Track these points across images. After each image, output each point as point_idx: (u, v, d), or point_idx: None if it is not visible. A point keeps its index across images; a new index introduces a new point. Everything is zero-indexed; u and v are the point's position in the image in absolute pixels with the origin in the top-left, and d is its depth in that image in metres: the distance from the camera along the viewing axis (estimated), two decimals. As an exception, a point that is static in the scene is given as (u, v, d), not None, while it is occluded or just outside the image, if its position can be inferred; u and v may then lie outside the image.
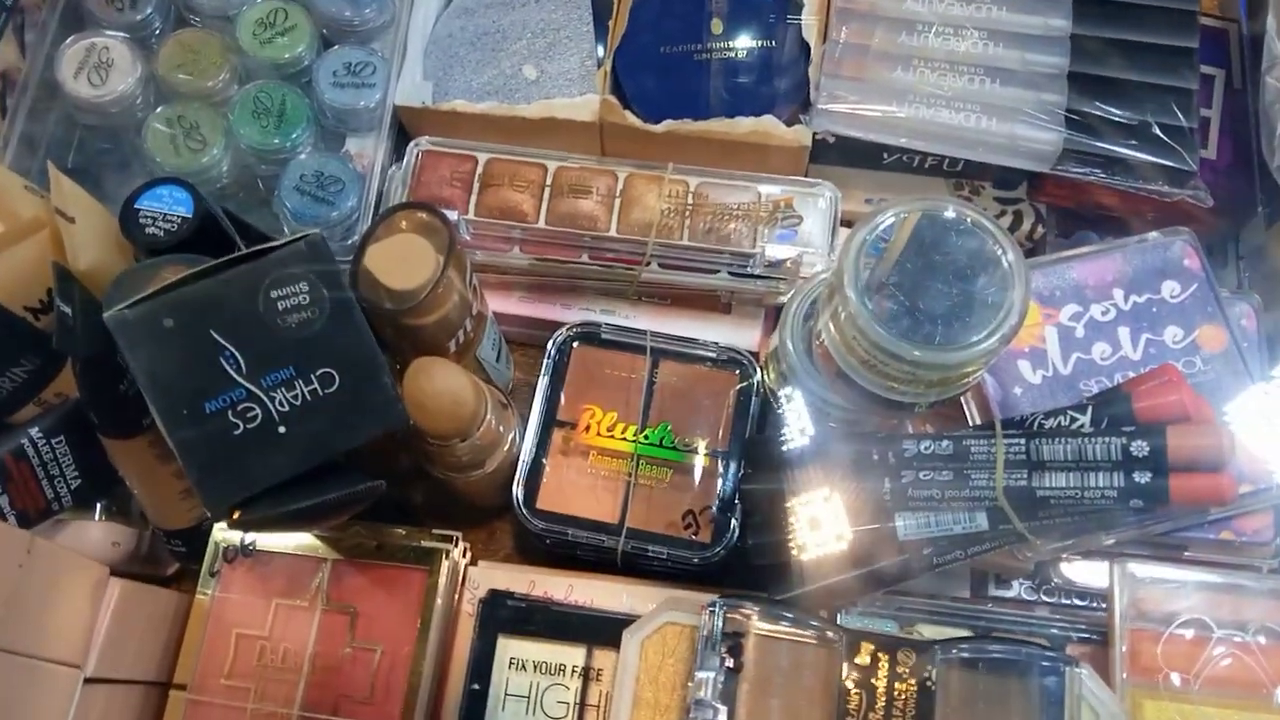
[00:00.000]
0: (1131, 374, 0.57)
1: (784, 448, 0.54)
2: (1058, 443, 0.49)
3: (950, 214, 0.47)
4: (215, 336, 0.44)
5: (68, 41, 0.64)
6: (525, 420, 0.61)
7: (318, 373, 0.46)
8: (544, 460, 0.60)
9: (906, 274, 0.47)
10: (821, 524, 0.51)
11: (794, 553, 0.51)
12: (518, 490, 0.59)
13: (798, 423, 0.56)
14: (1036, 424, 0.51)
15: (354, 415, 0.47)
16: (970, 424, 0.57)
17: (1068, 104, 0.62)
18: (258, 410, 0.45)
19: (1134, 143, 0.61)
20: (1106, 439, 0.48)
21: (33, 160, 0.64)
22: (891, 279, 0.46)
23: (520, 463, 0.60)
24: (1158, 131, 0.61)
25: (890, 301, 0.47)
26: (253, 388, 0.45)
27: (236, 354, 0.45)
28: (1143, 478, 0.47)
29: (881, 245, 0.47)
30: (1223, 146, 0.67)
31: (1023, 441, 0.50)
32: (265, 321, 0.45)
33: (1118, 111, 0.62)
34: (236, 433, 0.45)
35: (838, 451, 0.53)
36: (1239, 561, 0.57)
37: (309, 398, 0.46)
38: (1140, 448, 0.47)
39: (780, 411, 0.56)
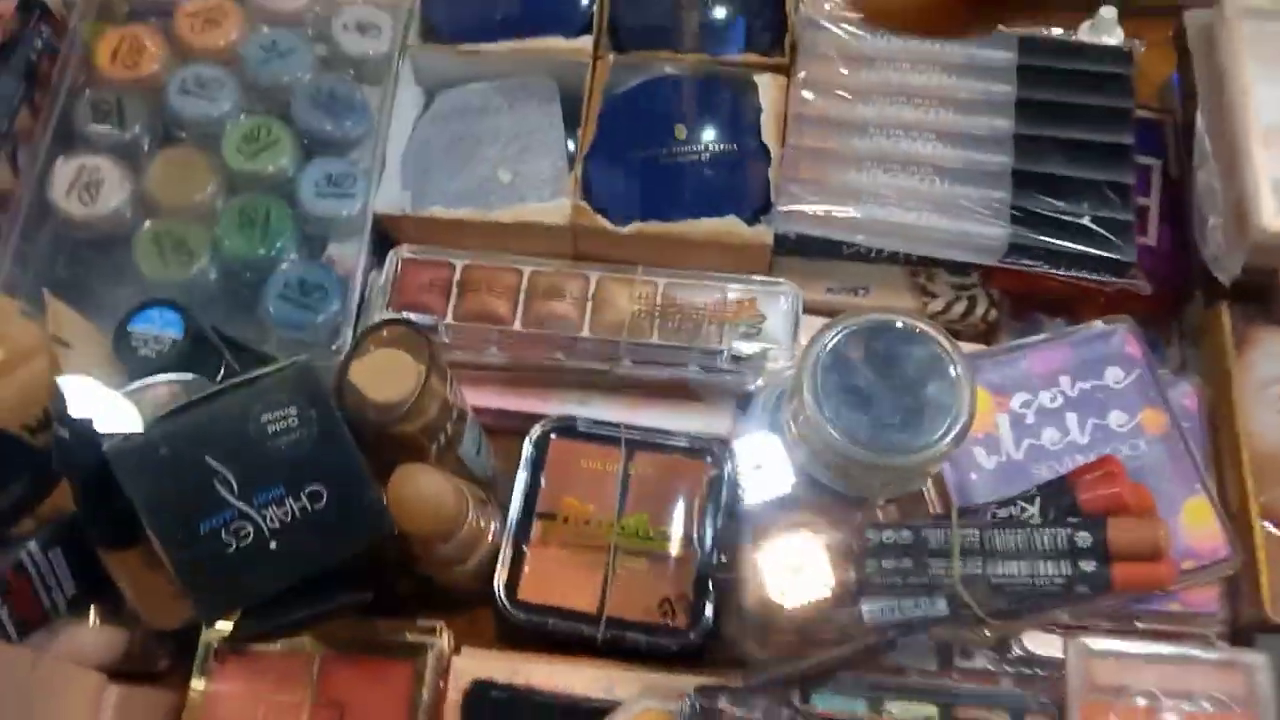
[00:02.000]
0: (1080, 458, 0.60)
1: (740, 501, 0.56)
2: (1009, 533, 0.52)
3: (900, 325, 0.50)
4: (209, 461, 0.47)
5: (58, 162, 0.67)
6: (505, 509, 0.64)
7: (307, 490, 0.48)
8: (524, 551, 0.62)
9: (862, 380, 0.50)
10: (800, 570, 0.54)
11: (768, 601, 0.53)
12: (499, 583, 0.61)
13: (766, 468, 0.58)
14: (990, 514, 0.54)
15: (342, 528, 0.49)
16: (930, 509, 0.60)
17: (1012, 200, 0.66)
18: (250, 528, 0.48)
19: (1075, 235, 0.65)
20: (1054, 530, 0.51)
21: (24, 276, 0.66)
22: (849, 386, 0.50)
23: (501, 555, 0.62)
24: (1097, 225, 0.65)
25: (848, 408, 0.50)
26: (245, 507, 0.47)
27: (229, 476, 0.47)
28: (1087, 566, 0.50)
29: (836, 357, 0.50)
30: (1162, 232, 0.71)
31: (977, 531, 0.53)
32: (256, 444, 0.48)
33: (1060, 205, 0.66)
34: (230, 550, 0.47)
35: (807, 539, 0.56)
36: (1189, 631, 0.60)
37: (298, 514, 0.48)
38: (1084, 539, 0.50)
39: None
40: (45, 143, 0.68)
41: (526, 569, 0.62)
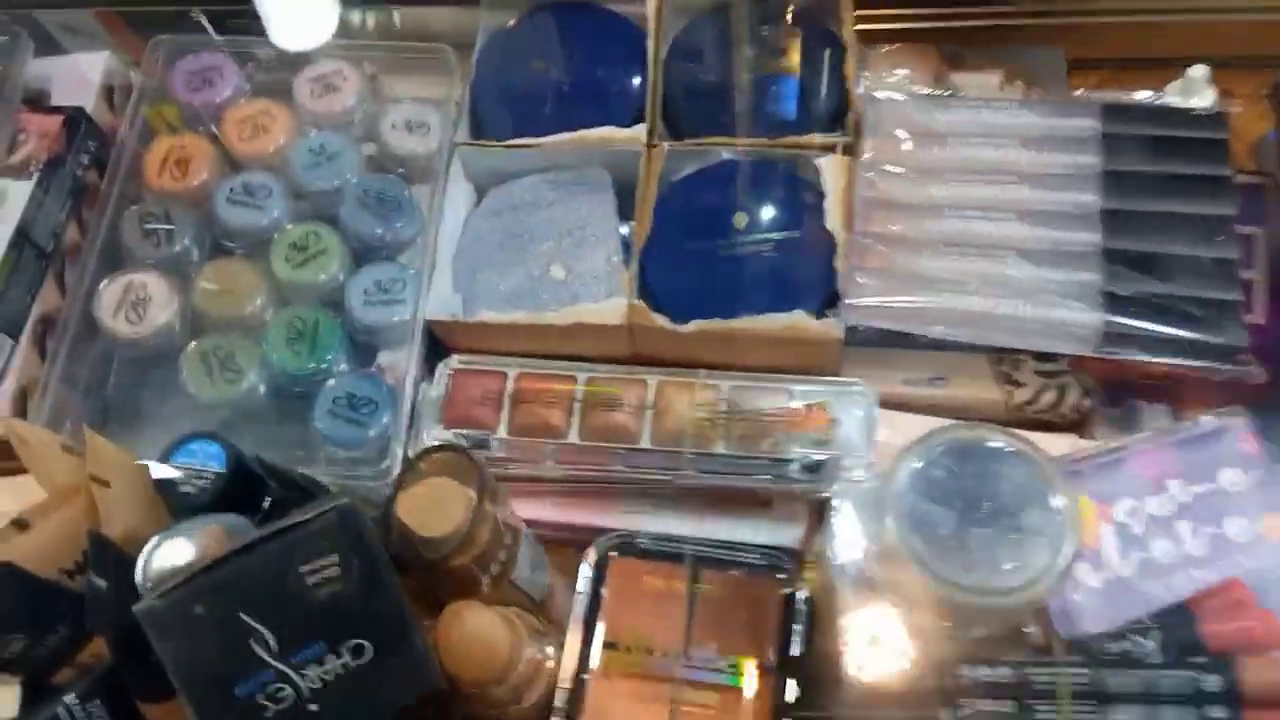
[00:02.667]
0: (1197, 574, 0.54)
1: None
2: (1125, 673, 0.46)
3: (991, 444, 0.45)
4: (245, 619, 0.44)
5: (105, 281, 0.66)
6: (564, 628, 0.60)
7: (349, 644, 0.45)
8: (585, 685, 0.58)
9: (953, 509, 0.45)
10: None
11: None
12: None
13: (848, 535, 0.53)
14: (1102, 649, 0.48)
15: (386, 684, 0.46)
16: (1027, 638, 0.54)
17: (1104, 283, 0.61)
18: (288, 690, 0.44)
19: (1177, 320, 0.60)
20: (1176, 672, 0.45)
21: (72, 396, 0.65)
22: (938, 517, 0.45)
23: (559, 691, 0.58)
24: (1199, 307, 0.60)
25: (938, 543, 0.45)
26: (283, 667, 0.44)
27: (266, 634, 0.44)
28: (1217, 713, 0.44)
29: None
30: (1271, 308, 0.65)
31: (1088, 672, 0.47)
32: (295, 597, 0.44)
33: (1157, 287, 0.61)
34: (267, 715, 0.44)
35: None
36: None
37: (340, 671, 0.45)
38: (1213, 682, 0.44)
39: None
40: (93, 259, 0.67)
41: (586, 706, 0.58)
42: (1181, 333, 0.59)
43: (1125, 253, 0.62)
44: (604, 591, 0.60)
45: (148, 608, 0.43)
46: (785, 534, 0.63)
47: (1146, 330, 0.60)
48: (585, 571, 0.60)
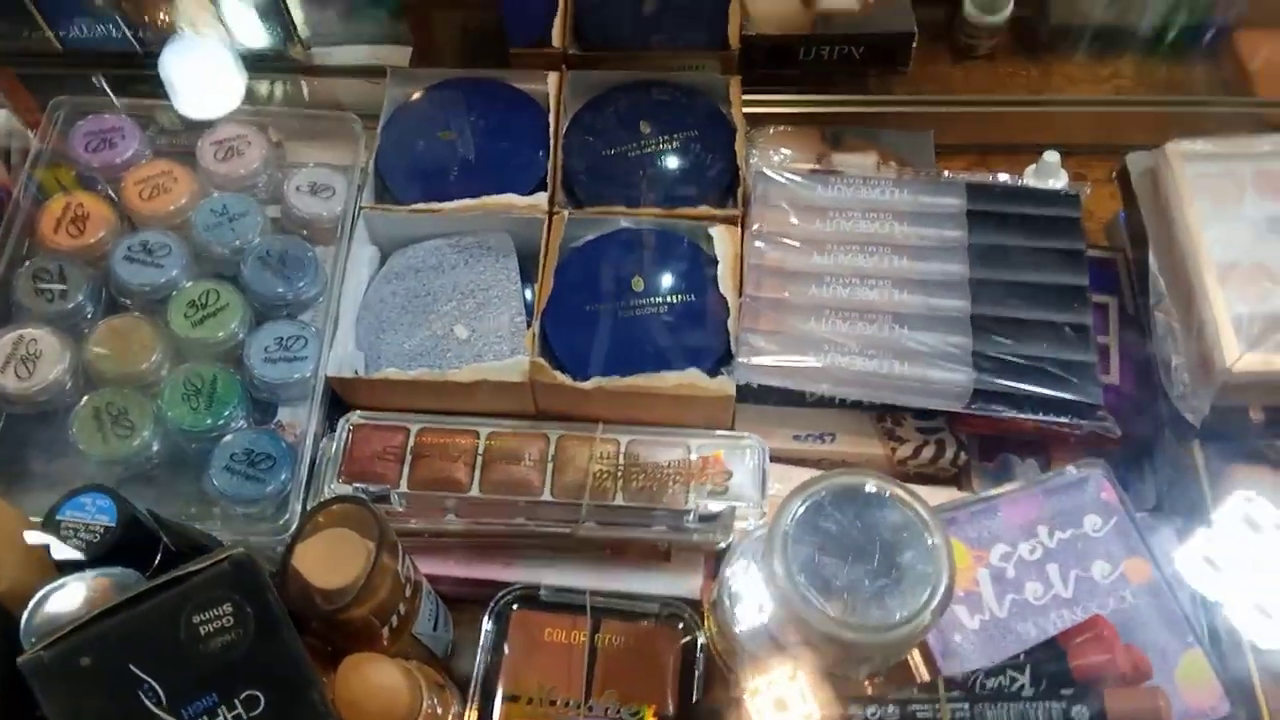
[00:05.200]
0: (1065, 613, 0.58)
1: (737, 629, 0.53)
2: (1000, 707, 0.49)
3: (870, 489, 0.48)
4: (135, 670, 0.43)
5: (-4, 335, 0.65)
6: (466, 685, 0.59)
7: (242, 696, 0.44)
8: (486, 741, 0.58)
9: (835, 551, 0.48)
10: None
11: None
12: (461, 775, 0.57)
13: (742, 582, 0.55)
14: (979, 684, 0.51)
15: (281, 736, 0.45)
16: (915, 676, 0.56)
17: (973, 345, 0.66)
18: (179, 745, 0.43)
19: (1039, 379, 0.65)
20: (1047, 703, 0.48)
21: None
22: (822, 559, 0.47)
23: (462, 745, 0.58)
24: (1059, 368, 0.65)
25: (823, 581, 0.47)
26: (173, 720, 0.43)
27: (156, 687, 0.43)
28: (1086, 741, 0.47)
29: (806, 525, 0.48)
30: (1124, 370, 0.71)
31: (966, 705, 0.50)
32: (186, 649, 0.44)
33: (1020, 349, 0.66)
34: (156, 771, 0.43)
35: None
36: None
37: (233, 725, 0.44)
38: (1080, 712, 0.47)
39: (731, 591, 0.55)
40: (-18, 317, 0.66)
41: (489, 758, 0.58)
42: (1044, 390, 0.64)
43: (992, 318, 0.67)
44: (505, 645, 0.60)
45: (34, 659, 0.42)
46: (683, 585, 0.65)
47: (1012, 388, 0.64)
48: (487, 625, 0.60)
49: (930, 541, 0.47)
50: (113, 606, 0.43)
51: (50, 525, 0.51)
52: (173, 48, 0.79)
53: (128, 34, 0.83)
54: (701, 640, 0.60)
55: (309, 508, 0.58)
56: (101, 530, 0.51)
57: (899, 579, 0.47)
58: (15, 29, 0.83)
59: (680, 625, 0.61)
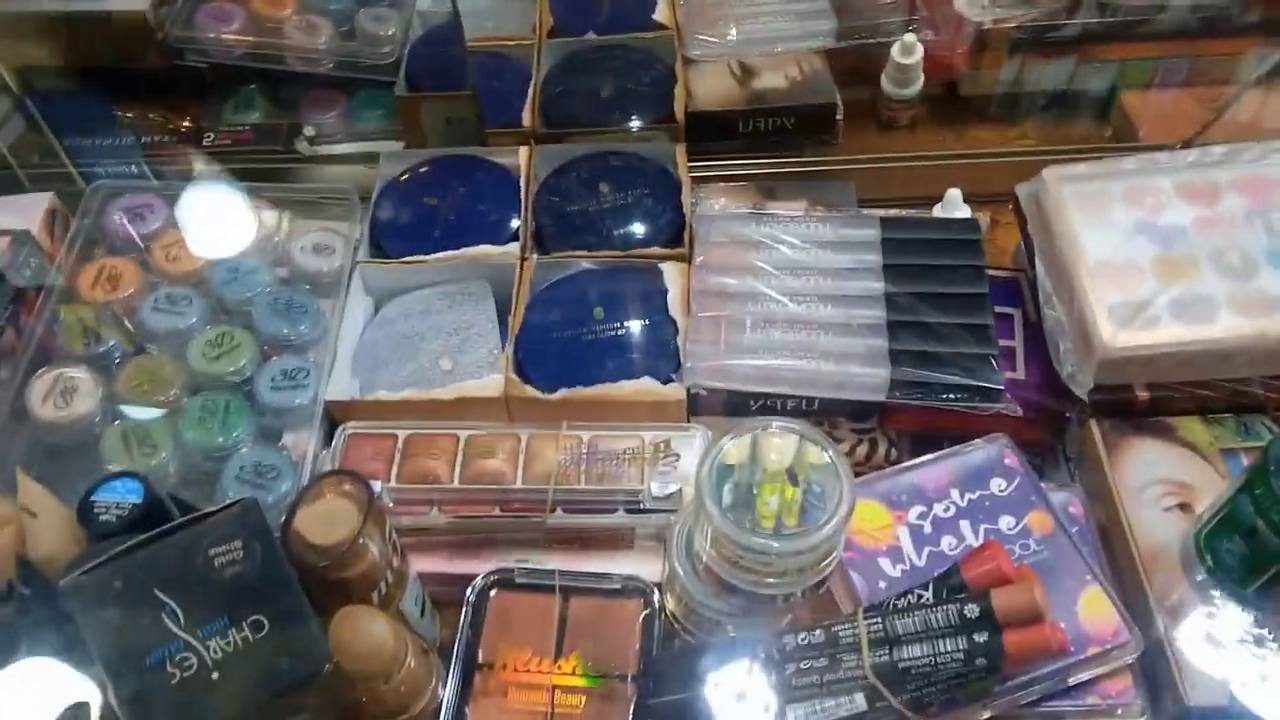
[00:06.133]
0: (976, 559, 0.65)
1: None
2: (908, 616, 0.56)
3: (774, 429, 0.57)
4: (158, 594, 0.51)
5: (38, 373, 0.74)
6: (448, 674, 0.66)
7: (249, 619, 0.52)
8: (466, 707, 0.64)
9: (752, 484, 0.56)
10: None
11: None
12: (443, 738, 0.63)
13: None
14: (890, 604, 0.58)
15: (282, 658, 0.52)
16: (840, 610, 0.63)
17: (889, 345, 0.75)
18: (193, 659, 0.51)
19: (947, 369, 0.74)
20: (945, 607, 0.55)
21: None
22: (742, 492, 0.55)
23: (443, 710, 0.64)
24: (965, 360, 0.74)
25: (744, 511, 0.55)
26: (190, 639, 0.51)
27: (176, 608, 0.51)
28: (980, 637, 0.54)
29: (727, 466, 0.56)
30: (1029, 368, 0.79)
31: (879, 620, 0.57)
32: (202, 576, 0.52)
33: (931, 347, 0.75)
34: (174, 682, 0.50)
35: (731, 656, 0.59)
36: (1114, 725, 0.62)
37: (240, 644, 0.51)
38: (972, 610, 0.54)
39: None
40: (26, 357, 0.76)
41: (470, 722, 0.64)
42: (952, 378, 0.73)
43: (905, 323, 0.76)
44: (483, 621, 0.67)
45: (73, 582, 0.50)
46: (645, 570, 0.72)
47: (925, 377, 0.73)
48: (466, 604, 0.67)
49: (827, 457, 0.55)
50: (141, 540, 0.52)
51: (85, 506, 0.60)
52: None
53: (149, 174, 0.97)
54: (660, 609, 0.67)
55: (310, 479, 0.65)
56: (130, 507, 0.59)
57: (809, 501, 0.55)
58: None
59: (641, 598, 0.68)
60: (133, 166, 0.98)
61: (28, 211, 0.84)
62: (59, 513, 0.60)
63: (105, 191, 0.86)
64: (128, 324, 0.80)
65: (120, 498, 0.60)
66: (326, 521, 0.59)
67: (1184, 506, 0.69)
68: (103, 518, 0.59)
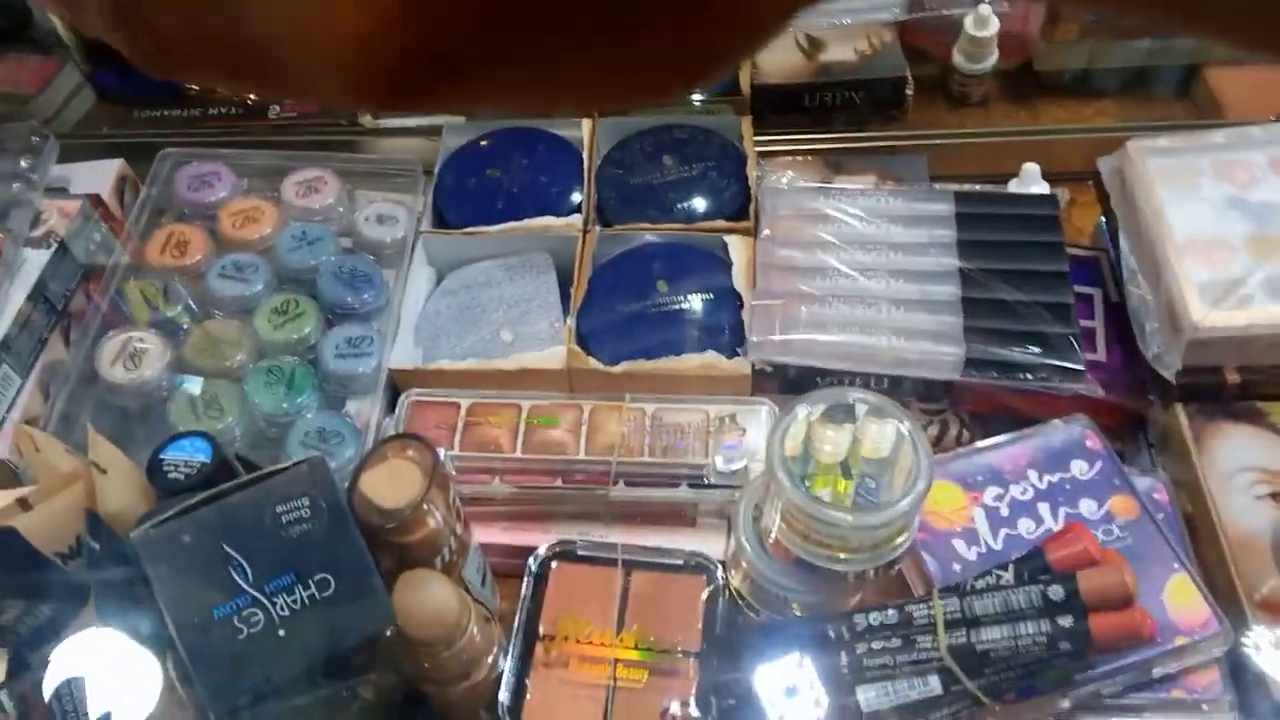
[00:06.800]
0: (1056, 543, 0.62)
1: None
2: (987, 597, 0.54)
3: (850, 401, 0.55)
4: (226, 549, 0.51)
5: (108, 335, 0.75)
6: (509, 645, 0.65)
7: (315, 578, 0.52)
8: (527, 677, 0.64)
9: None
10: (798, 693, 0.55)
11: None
12: (503, 707, 0.62)
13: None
14: (969, 585, 0.56)
15: (347, 616, 0.52)
16: (913, 592, 0.61)
17: (964, 322, 0.73)
18: (260, 615, 0.50)
19: (1025, 347, 0.71)
20: (1027, 588, 0.53)
21: (69, 438, 0.72)
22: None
23: (504, 679, 0.63)
24: (1044, 340, 0.71)
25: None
26: (257, 594, 0.51)
27: (244, 564, 0.51)
28: (1065, 621, 0.52)
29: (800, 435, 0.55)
30: (1111, 349, 0.77)
31: (957, 600, 0.55)
32: (270, 533, 0.51)
33: (1007, 324, 0.72)
34: (241, 637, 0.50)
35: (800, 634, 0.58)
36: None
37: (307, 602, 0.51)
38: (1056, 592, 0.52)
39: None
40: (97, 321, 0.77)
41: (529, 694, 0.63)
42: (1031, 358, 0.71)
43: (980, 300, 0.74)
44: (545, 591, 0.67)
45: (143, 534, 0.50)
46: (708, 547, 0.71)
47: (1001, 356, 0.71)
48: (528, 573, 0.67)
49: (912, 442, 0.53)
50: (210, 495, 0.52)
51: (154, 463, 0.60)
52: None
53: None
54: (724, 585, 0.66)
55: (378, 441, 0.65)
56: (199, 465, 0.60)
57: (884, 474, 0.53)
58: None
59: (705, 575, 0.67)
60: (200, 137, 0.98)
61: (99, 177, 0.85)
62: (129, 470, 0.60)
63: (174, 159, 0.87)
64: (192, 291, 0.80)
65: (189, 456, 0.60)
66: (392, 484, 0.59)
67: (1276, 496, 0.66)
68: (171, 475, 0.59)
